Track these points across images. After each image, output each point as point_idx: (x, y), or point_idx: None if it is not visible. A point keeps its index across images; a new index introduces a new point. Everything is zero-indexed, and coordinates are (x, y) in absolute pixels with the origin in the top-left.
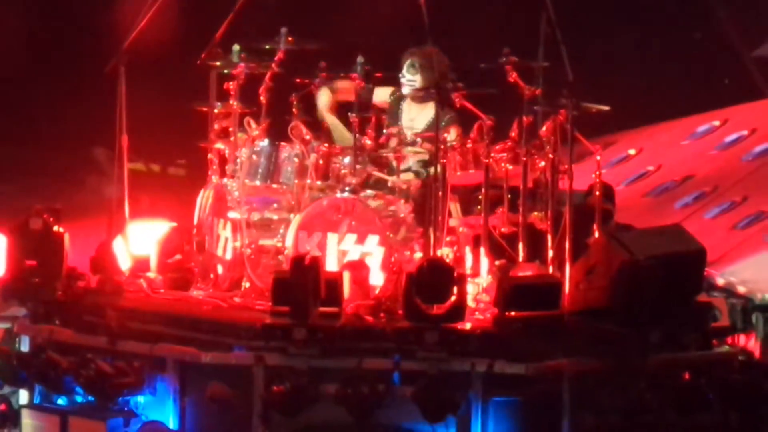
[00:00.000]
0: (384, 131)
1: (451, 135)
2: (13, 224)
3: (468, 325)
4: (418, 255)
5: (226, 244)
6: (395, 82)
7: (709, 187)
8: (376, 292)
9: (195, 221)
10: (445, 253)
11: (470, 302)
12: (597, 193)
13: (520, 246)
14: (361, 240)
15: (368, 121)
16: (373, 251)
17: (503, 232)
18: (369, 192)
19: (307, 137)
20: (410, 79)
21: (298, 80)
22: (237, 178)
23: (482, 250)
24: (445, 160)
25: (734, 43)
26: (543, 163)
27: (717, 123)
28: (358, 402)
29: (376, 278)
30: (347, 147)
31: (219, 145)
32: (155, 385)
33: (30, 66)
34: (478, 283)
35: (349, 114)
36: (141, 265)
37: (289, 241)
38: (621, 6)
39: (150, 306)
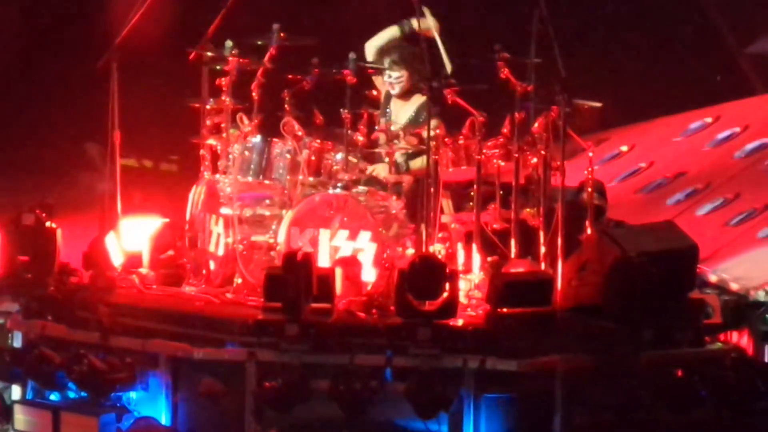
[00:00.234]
0: (375, 128)
1: (432, 124)
2: (6, 220)
3: (460, 322)
4: (411, 251)
5: (218, 240)
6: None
7: (701, 184)
8: (368, 288)
9: (187, 217)
10: (437, 249)
11: (462, 299)
12: (589, 189)
13: (513, 242)
14: (353, 236)
15: (360, 117)
16: (365, 247)
17: (495, 229)
18: (361, 188)
19: (300, 133)
20: (397, 76)
21: (290, 76)
22: (229, 174)
23: (474, 246)
24: (433, 155)
25: (727, 39)
26: (535, 160)
27: (709, 120)
28: (351, 398)
29: (368, 274)
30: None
31: (211, 141)
32: (147, 381)
33: (22, 62)
34: (471, 280)
35: (341, 110)
36: (133, 261)
37: (281, 237)
38: (613, 3)
39: (142, 302)
